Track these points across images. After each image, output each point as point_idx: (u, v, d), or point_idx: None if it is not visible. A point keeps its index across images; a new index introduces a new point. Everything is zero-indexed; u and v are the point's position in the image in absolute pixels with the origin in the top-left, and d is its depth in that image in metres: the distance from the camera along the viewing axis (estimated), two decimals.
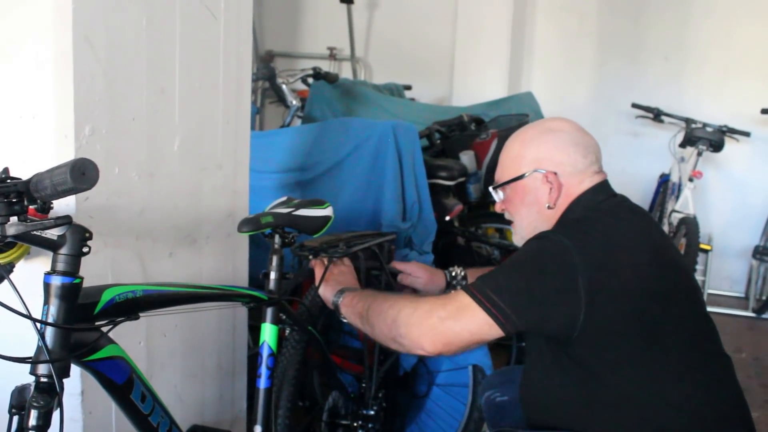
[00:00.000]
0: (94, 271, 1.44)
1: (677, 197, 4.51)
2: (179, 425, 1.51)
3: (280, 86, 3.85)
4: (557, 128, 1.68)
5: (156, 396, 1.41)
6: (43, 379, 1.14)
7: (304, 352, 1.92)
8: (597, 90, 5.32)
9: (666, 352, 1.48)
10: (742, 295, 5.00)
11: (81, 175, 1.03)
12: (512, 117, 3.58)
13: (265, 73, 3.82)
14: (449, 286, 2.07)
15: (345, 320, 1.77)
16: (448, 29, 5.19)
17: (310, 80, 3.88)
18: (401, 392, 2.51)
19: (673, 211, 4.43)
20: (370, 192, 2.56)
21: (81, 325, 1.21)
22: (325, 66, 5.35)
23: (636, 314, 1.46)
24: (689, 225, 4.08)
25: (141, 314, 1.32)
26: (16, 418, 1.15)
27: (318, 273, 1.86)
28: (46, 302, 1.15)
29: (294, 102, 3.86)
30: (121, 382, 1.30)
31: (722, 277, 5.03)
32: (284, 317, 1.78)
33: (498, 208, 1.78)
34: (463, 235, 3.30)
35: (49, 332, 1.15)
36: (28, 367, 1.15)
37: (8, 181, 1.09)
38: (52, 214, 1.15)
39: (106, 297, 1.24)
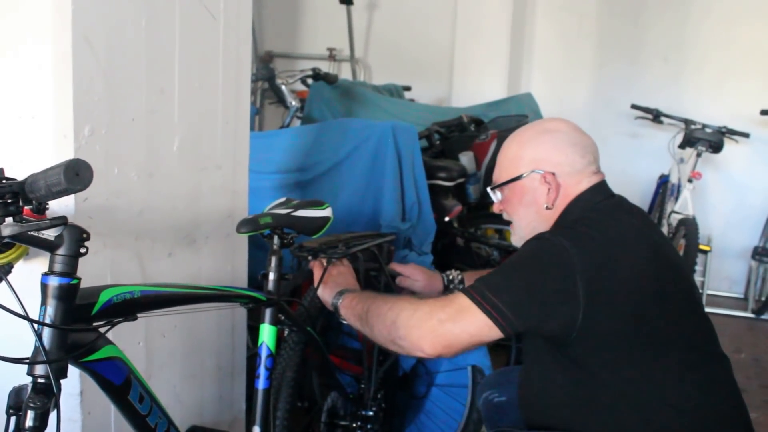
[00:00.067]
0: (93, 272, 1.44)
1: (676, 198, 4.52)
2: (178, 426, 1.51)
3: (280, 87, 3.85)
4: (555, 129, 1.68)
5: (154, 397, 1.41)
6: (40, 380, 1.14)
7: (303, 352, 1.92)
8: (596, 91, 5.33)
9: (664, 353, 1.48)
10: (741, 296, 5.00)
11: (75, 175, 1.03)
12: (512, 118, 3.59)
13: (264, 74, 3.82)
14: (446, 290, 2.07)
15: (344, 321, 1.77)
16: (448, 30, 5.20)
17: (310, 81, 3.88)
18: (400, 393, 2.51)
19: (673, 212, 4.43)
20: (369, 193, 2.56)
21: (78, 326, 1.20)
22: (325, 67, 5.35)
23: (634, 315, 1.46)
24: (688, 226, 4.08)
25: (139, 315, 1.32)
26: (13, 419, 1.15)
27: (317, 274, 1.86)
28: (44, 303, 1.15)
29: (293, 103, 3.86)
30: (119, 383, 1.30)
31: (721, 278, 5.03)
32: (283, 318, 1.78)
33: (496, 209, 1.78)
34: (463, 235, 3.30)
35: (47, 333, 1.15)
36: (25, 367, 1.15)
37: (3, 181, 1.09)
38: (50, 214, 1.15)
39: (103, 297, 1.24)
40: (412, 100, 4.80)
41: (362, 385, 2.20)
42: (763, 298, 4.63)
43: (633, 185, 4.97)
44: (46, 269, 1.16)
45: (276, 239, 1.74)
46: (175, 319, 1.73)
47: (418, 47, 5.43)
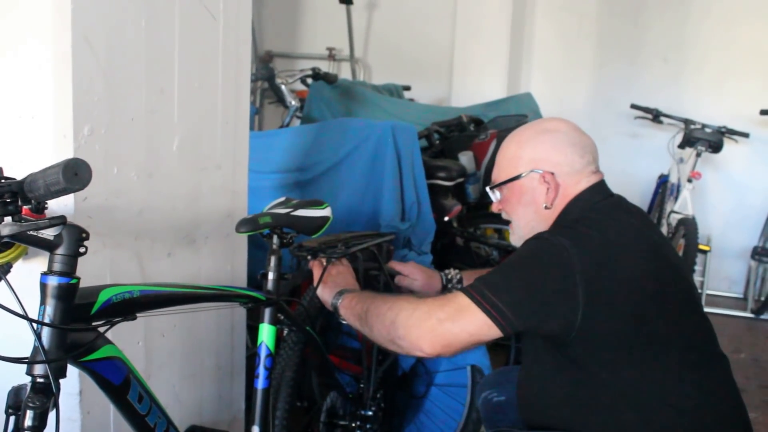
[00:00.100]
0: (92, 271, 1.44)
1: (676, 198, 4.52)
2: (177, 425, 1.51)
3: (279, 86, 3.85)
4: (554, 128, 1.68)
5: (153, 396, 1.41)
6: (39, 380, 1.14)
7: (302, 352, 1.92)
8: (596, 91, 5.33)
9: (663, 353, 1.48)
10: (741, 296, 5.00)
11: (73, 175, 1.03)
12: (511, 118, 3.59)
13: (264, 74, 3.82)
14: (445, 289, 2.07)
15: (344, 321, 1.77)
16: (448, 30, 5.20)
17: (309, 81, 3.88)
18: (400, 393, 2.51)
19: (672, 211, 4.43)
20: (368, 192, 2.56)
21: (77, 326, 1.20)
22: (324, 66, 5.35)
23: (633, 314, 1.46)
24: (688, 226, 4.08)
25: (138, 314, 1.32)
26: (12, 419, 1.15)
27: (316, 274, 1.86)
28: (43, 302, 1.15)
29: (293, 102, 3.86)
30: (118, 383, 1.30)
31: (721, 277, 5.04)
32: (282, 318, 1.78)
33: (495, 209, 1.79)
34: (462, 235, 3.30)
35: (46, 332, 1.15)
36: (24, 367, 1.15)
37: (2, 181, 1.09)
38: (49, 214, 1.15)
39: (103, 297, 1.24)
40: (411, 100, 4.80)
41: (361, 385, 2.20)
42: (763, 298, 4.63)
43: (632, 185, 4.98)
44: (45, 269, 1.16)
45: (275, 239, 1.74)
46: (175, 318, 1.73)
47: (418, 47, 5.43)
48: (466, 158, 3.19)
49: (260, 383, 1.69)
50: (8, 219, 1.09)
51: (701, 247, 4.21)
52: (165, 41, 1.63)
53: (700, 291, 4.58)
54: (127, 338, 1.58)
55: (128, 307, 1.30)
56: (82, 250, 1.17)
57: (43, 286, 1.15)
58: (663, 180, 4.84)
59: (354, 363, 2.30)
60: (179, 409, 1.82)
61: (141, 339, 1.67)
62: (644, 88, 5.09)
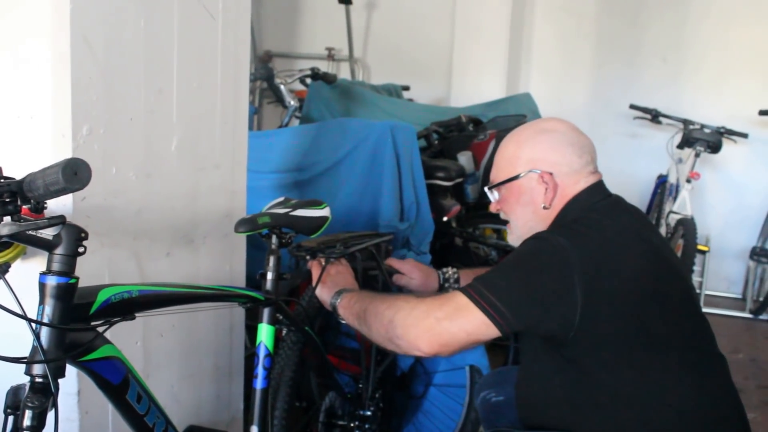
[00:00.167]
0: (91, 271, 1.44)
1: (675, 198, 4.52)
2: (176, 425, 1.51)
3: (278, 86, 3.84)
4: (552, 128, 1.68)
5: (152, 396, 1.41)
6: (38, 380, 1.14)
7: (301, 352, 1.92)
8: (595, 91, 5.33)
9: (661, 353, 1.48)
10: (740, 296, 5.00)
11: (73, 175, 1.03)
12: (510, 118, 3.59)
13: (263, 74, 3.81)
14: (441, 288, 2.07)
15: (343, 321, 1.77)
16: (447, 30, 5.20)
17: (309, 80, 3.88)
18: (398, 393, 2.51)
19: (671, 212, 4.43)
20: (367, 192, 2.56)
21: (76, 325, 1.20)
22: (324, 66, 5.35)
23: (631, 314, 1.46)
24: (687, 226, 4.09)
25: (137, 314, 1.32)
26: (11, 419, 1.15)
27: (315, 274, 1.86)
28: (42, 302, 1.15)
29: (292, 102, 3.85)
30: (117, 383, 1.30)
31: (719, 278, 5.04)
32: (281, 318, 1.78)
33: (493, 209, 1.79)
34: (461, 235, 3.30)
35: (45, 332, 1.15)
36: (23, 367, 1.15)
37: (1, 180, 1.09)
38: (48, 213, 1.15)
39: (101, 297, 1.24)
40: (410, 100, 4.79)
41: (360, 385, 2.20)
42: (761, 299, 4.63)
43: (631, 185, 4.98)
44: (44, 268, 1.16)
45: (274, 239, 1.74)
46: (173, 318, 1.73)
47: (417, 47, 5.43)
48: (465, 158, 3.19)
49: (259, 383, 1.68)
50: (7, 219, 1.09)
51: (700, 247, 4.22)
52: (164, 41, 1.63)
53: (698, 291, 4.59)
54: (125, 338, 1.58)
55: (127, 307, 1.30)
56: (80, 249, 1.17)
57: (42, 286, 1.15)
58: (662, 180, 4.85)
59: (353, 363, 2.30)
60: (178, 409, 1.82)
61: (140, 339, 1.67)
62: (643, 88, 5.10)
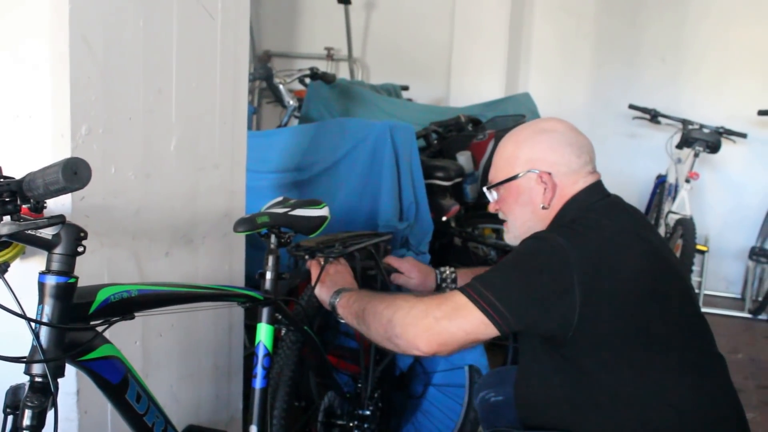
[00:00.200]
0: (90, 271, 1.44)
1: (674, 198, 4.52)
2: (175, 425, 1.51)
3: (278, 86, 3.84)
4: (551, 128, 1.68)
5: (151, 396, 1.41)
6: (37, 379, 1.14)
7: (300, 352, 1.92)
8: (594, 91, 5.33)
9: (660, 353, 1.48)
10: (739, 296, 5.00)
11: (73, 174, 1.03)
12: (509, 118, 3.59)
13: (262, 73, 3.81)
14: (439, 288, 2.07)
15: (342, 321, 1.77)
16: (446, 30, 5.20)
17: (308, 80, 3.88)
18: (397, 392, 2.51)
19: (670, 212, 4.43)
20: (366, 192, 2.56)
21: (76, 325, 1.20)
22: (323, 66, 5.35)
23: (630, 314, 1.46)
24: (686, 226, 4.09)
25: (136, 314, 1.32)
26: (10, 418, 1.15)
27: (314, 273, 1.86)
28: (41, 302, 1.15)
29: (291, 102, 3.85)
30: (116, 382, 1.30)
31: (718, 278, 5.04)
32: (280, 317, 1.78)
33: (492, 209, 1.79)
34: (460, 235, 3.30)
35: (44, 332, 1.15)
36: (22, 366, 1.15)
37: (1, 180, 1.09)
38: (47, 213, 1.15)
39: (101, 297, 1.24)
40: (410, 100, 4.79)
41: (359, 385, 2.21)
42: (760, 298, 4.63)
43: (630, 185, 4.98)
44: (43, 268, 1.16)
45: (273, 238, 1.74)
46: (173, 318, 1.73)
47: (416, 47, 5.43)
48: (464, 158, 3.19)
49: (258, 383, 1.69)
50: (7, 218, 1.09)
51: (699, 247, 4.22)
52: (163, 41, 1.63)
53: (697, 291, 4.59)
54: (125, 338, 1.58)
55: (126, 306, 1.30)
56: (80, 249, 1.17)
57: (42, 286, 1.15)
58: (661, 180, 4.85)
59: (352, 363, 2.30)
60: (177, 409, 1.82)
61: (139, 338, 1.67)
62: (642, 88, 5.10)
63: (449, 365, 2.41)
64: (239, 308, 1.97)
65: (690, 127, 4.51)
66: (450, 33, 5.15)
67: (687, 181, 4.40)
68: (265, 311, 1.71)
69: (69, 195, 1.39)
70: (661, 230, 4.47)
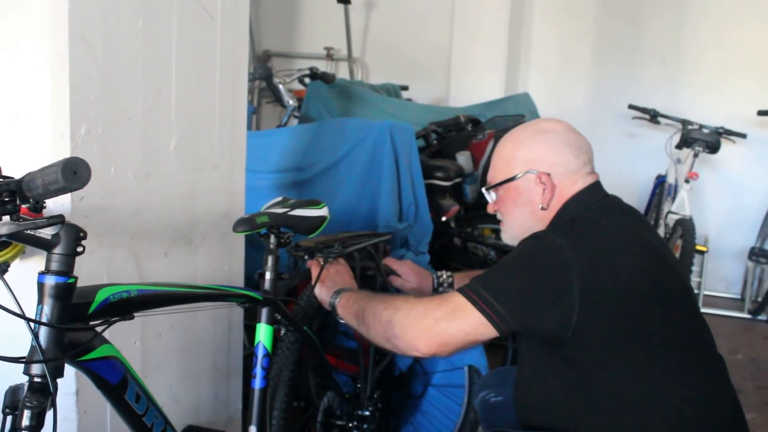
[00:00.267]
0: (89, 271, 1.44)
1: (673, 198, 4.52)
2: (174, 425, 1.51)
3: (277, 86, 3.84)
4: (549, 129, 1.68)
5: (150, 396, 1.41)
6: (36, 379, 1.14)
7: (300, 352, 1.92)
8: (594, 91, 5.33)
9: (660, 353, 1.48)
10: (738, 296, 5.00)
11: (72, 174, 1.03)
12: (509, 118, 3.59)
13: (261, 73, 3.81)
14: (435, 292, 2.07)
15: (342, 321, 1.77)
16: (445, 30, 5.20)
17: (307, 80, 3.88)
18: (397, 393, 2.51)
19: (670, 212, 4.43)
20: (366, 192, 2.56)
21: (75, 325, 1.20)
22: (322, 66, 5.35)
23: (629, 314, 1.46)
24: (685, 226, 4.08)
25: (136, 314, 1.32)
26: (9, 418, 1.15)
27: (314, 273, 1.86)
28: (40, 302, 1.15)
29: (291, 102, 3.85)
30: (116, 382, 1.30)
31: (718, 278, 5.04)
32: (280, 317, 1.78)
33: (491, 209, 1.79)
34: (460, 235, 3.30)
35: (43, 332, 1.15)
36: (22, 366, 1.15)
37: (0, 180, 1.09)
38: (46, 213, 1.15)
39: (100, 297, 1.24)
40: (409, 100, 4.80)
41: (359, 385, 2.21)
42: (760, 299, 4.63)
43: (630, 185, 4.98)
44: (42, 268, 1.16)
45: (273, 238, 1.74)
46: (172, 318, 1.73)
47: (416, 47, 5.43)
48: (463, 158, 3.19)
49: (257, 383, 1.68)
50: (6, 218, 1.09)
51: (698, 247, 4.21)
52: (162, 41, 1.63)
53: (697, 292, 4.59)
54: (124, 338, 1.58)
55: (125, 306, 1.30)
56: (79, 249, 1.17)
57: (41, 286, 1.15)
58: (660, 180, 4.85)
59: (351, 363, 2.30)
60: (176, 409, 1.82)
61: (138, 339, 1.67)
62: (642, 88, 5.10)
63: (449, 365, 2.41)
64: (238, 308, 1.97)
65: (689, 127, 4.51)
66: (450, 33, 5.16)
67: (686, 181, 4.40)
68: (264, 311, 1.70)
69: (68, 195, 1.39)
70: (661, 230, 4.47)
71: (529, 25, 5.37)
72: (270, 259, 1.74)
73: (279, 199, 1.88)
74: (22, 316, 1.11)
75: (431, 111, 4.12)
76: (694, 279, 4.53)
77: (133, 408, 1.35)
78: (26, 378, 1.15)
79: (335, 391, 2.16)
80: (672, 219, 4.34)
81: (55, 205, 1.38)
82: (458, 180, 3.08)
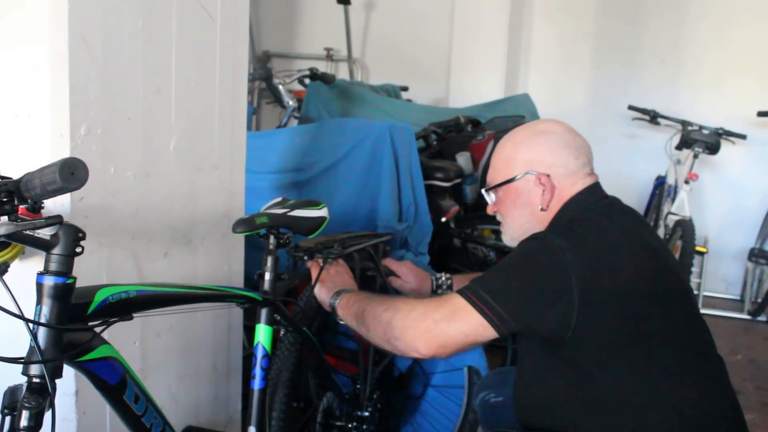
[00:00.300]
0: (88, 271, 1.44)
1: (673, 199, 4.52)
2: (173, 426, 1.51)
3: (277, 87, 3.84)
4: (549, 130, 1.68)
5: (149, 397, 1.40)
6: (35, 380, 1.14)
7: (299, 353, 1.92)
8: (594, 92, 5.33)
9: (659, 354, 1.48)
10: (738, 297, 5.00)
11: (70, 174, 1.03)
12: (509, 118, 3.59)
13: (261, 74, 3.81)
14: (434, 294, 2.07)
15: (341, 321, 1.77)
16: (445, 30, 5.20)
17: (307, 81, 3.88)
18: (396, 393, 2.51)
19: (669, 213, 4.43)
20: (366, 193, 2.56)
21: (74, 326, 1.20)
22: (322, 67, 5.35)
23: (629, 315, 1.46)
24: (685, 227, 4.09)
25: (135, 315, 1.32)
26: (8, 419, 1.15)
27: (314, 274, 1.86)
28: (39, 302, 1.15)
29: (290, 102, 3.85)
30: (114, 383, 1.30)
31: (717, 279, 5.04)
32: (279, 318, 1.77)
33: (490, 210, 1.78)
34: (459, 236, 3.30)
35: (42, 332, 1.14)
36: (20, 367, 1.15)
37: None
38: (46, 213, 1.15)
39: (99, 297, 1.24)
40: (409, 101, 4.80)
41: (358, 386, 2.20)
42: (759, 300, 4.63)
43: (630, 186, 4.98)
44: (41, 268, 1.16)
45: (272, 239, 1.74)
46: (171, 319, 1.73)
47: (416, 47, 5.43)
48: (463, 159, 3.19)
49: (257, 384, 1.68)
50: (4, 218, 1.09)
51: (698, 248, 4.22)
52: (162, 41, 1.63)
53: (696, 292, 4.59)
54: (123, 338, 1.58)
55: (125, 307, 1.30)
56: (78, 249, 1.17)
57: (40, 286, 1.15)
58: (660, 181, 4.85)
59: (351, 364, 2.30)
60: (176, 410, 1.82)
61: (137, 339, 1.67)
62: (642, 89, 5.10)
63: (448, 366, 2.41)
64: (238, 309, 1.97)
65: (689, 128, 4.51)
66: (449, 33, 5.16)
67: (686, 182, 4.40)
68: (263, 312, 1.70)
69: (68, 195, 1.39)
70: (661, 231, 4.47)
71: (529, 25, 5.36)
72: (269, 260, 1.73)
73: (278, 199, 1.88)
74: (21, 317, 1.11)
75: (431, 111, 4.11)
76: (693, 280, 4.53)
77: (132, 408, 1.35)
78: (25, 378, 1.15)
79: (335, 392, 2.16)
80: (672, 220, 4.34)
81: (54, 205, 1.38)
82: (458, 181, 3.08)
